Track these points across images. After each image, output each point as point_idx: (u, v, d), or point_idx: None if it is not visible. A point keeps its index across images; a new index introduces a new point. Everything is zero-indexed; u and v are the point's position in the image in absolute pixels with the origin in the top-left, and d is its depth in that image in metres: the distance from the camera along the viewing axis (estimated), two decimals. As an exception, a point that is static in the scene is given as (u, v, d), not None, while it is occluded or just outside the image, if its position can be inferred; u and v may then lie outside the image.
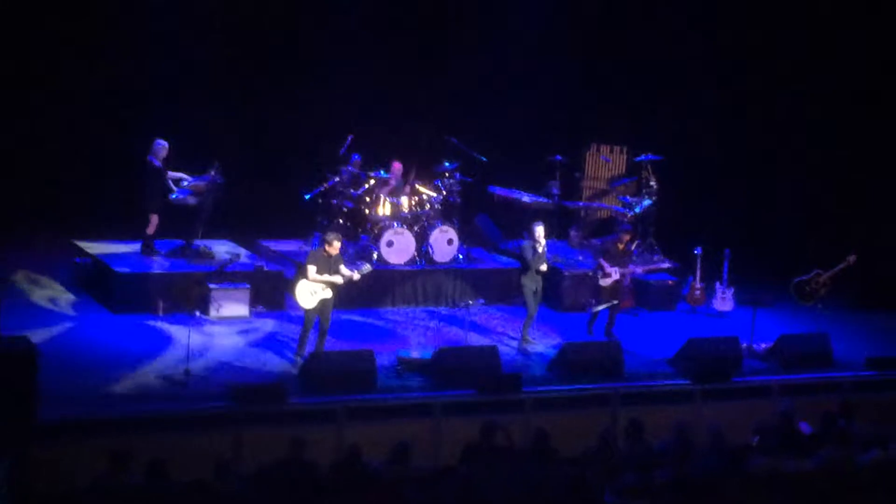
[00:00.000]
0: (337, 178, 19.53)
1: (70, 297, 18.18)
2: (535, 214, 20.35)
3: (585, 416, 15.19)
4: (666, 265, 18.84)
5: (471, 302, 17.34)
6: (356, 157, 19.89)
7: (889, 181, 22.24)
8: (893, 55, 22.20)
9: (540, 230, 17.26)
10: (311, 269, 15.72)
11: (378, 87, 22.28)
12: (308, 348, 15.88)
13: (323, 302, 15.78)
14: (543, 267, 17.29)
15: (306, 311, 15.82)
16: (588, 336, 17.81)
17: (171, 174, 18.36)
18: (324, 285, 15.71)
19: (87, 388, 14.31)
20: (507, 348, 17.07)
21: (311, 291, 15.72)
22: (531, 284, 17.27)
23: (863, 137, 22.37)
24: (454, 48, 23.14)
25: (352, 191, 19.61)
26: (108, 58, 20.91)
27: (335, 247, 15.81)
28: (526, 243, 17.43)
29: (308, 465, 11.97)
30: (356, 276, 16.00)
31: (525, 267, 17.35)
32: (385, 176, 19.83)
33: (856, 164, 22.45)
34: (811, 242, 21.36)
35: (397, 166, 20.19)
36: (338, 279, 15.79)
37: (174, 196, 18.35)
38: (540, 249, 17.22)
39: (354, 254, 19.01)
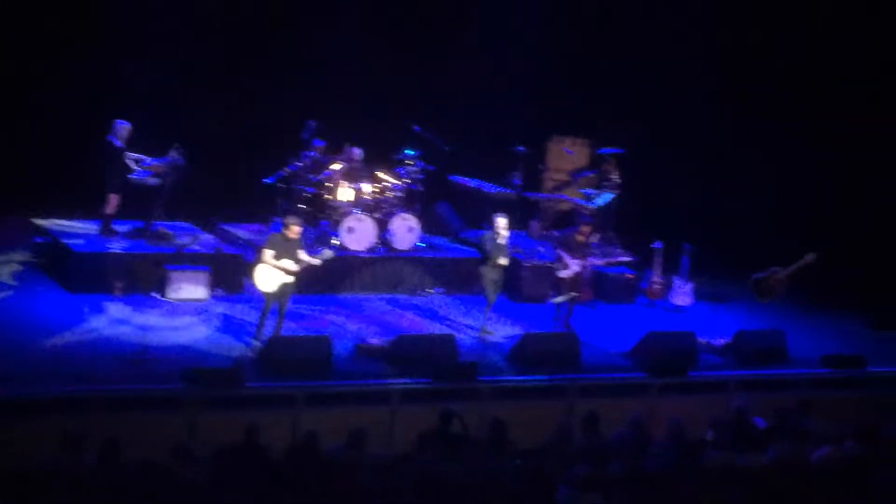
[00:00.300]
0: (299, 164, 19.47)
1: (26, 273, 18.03)
2: (497, 205, 20.36)
3: (542, 407, 15.22)
4: (626, 258, 18.88)
5: (430, 290, 17.34)
6: (318, 143, 19.81)
7: (851, 180, 22.37)
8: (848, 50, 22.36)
9: (502, 221, 17.26)
10: (268, 253, 15.61)
11: (343, 74, 22.17)
12: (266, 332, 15.80)
13: (282, 286, 15.69)
14: (503, 261, 17.28)
15: (266, 294, 15.74)
16: (549, 327, 17.81)
17: (131, 154, 18.24)
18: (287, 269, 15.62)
19: (40, 367, 14.20)
20: (465, 337, 17.07)
21: (270, 275, 15.63)
22: (491, 274, 17.26)
23: (827, 136, 22.47)
24: (420, 37, 23.06)
25: (312, 176, 19.55)
26: (71, 37, 20.71)
27: (294, 231, 15.69)
28: (487, 234, 17.44)
29: (263, 449, 11.93)
30: (316, 261, 15.92)
31: (485, 257, 17.35)
32: (345, 162, 19.78)
33: (819, 162, 22.54)
34: (772, 239, 21.43)
35: (357, 152, 20.13)
36: (292, 265, 15.62)
37: (134, 176, 18.24)
38: (501, 241, 17.21)
39: (315, 240, 18.94)
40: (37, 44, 20.57)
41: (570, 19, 23.53)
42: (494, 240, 17.22)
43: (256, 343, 15.74)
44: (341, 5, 22.37)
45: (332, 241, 16.11)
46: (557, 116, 23.26)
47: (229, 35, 21.63)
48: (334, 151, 19.99)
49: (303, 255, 15.75)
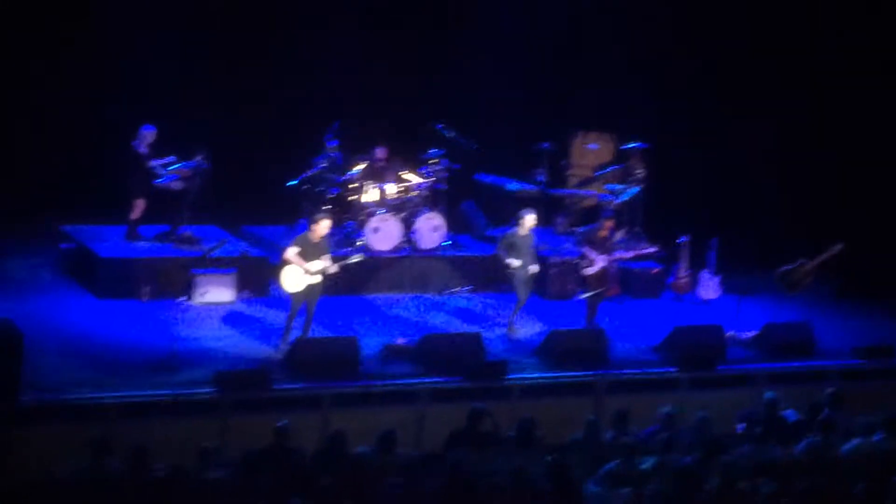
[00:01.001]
0: (324, 164, 19.47)
1: (55, 281, 18.11)
2: (522, 202, 20.34)
3: (571, 404, 15.23)
4: (651, 249, 18.73)
5: (457, 289, 17.30)
6: (332, 143, 19.72)
7: (875, 172, 22.25)
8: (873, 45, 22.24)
9: (531, 218, 17.18)
10: (291, 250, 15.56)
11: (365, 74, 22.16)
12: (294, 334, 15.81)
13: (310, 287, 15.65)
14: (516, 263, 17.08)
15: (293, 296, 15.73)
16: (578, 323, 17.76)
17: (157, 161, 18.30)
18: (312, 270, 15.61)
19: (71, 373, 14.25)
20: (492, 336, 17.03)
21: (297, 276, 15.63)
22: (521, 272, 17.19)
23: (851, 130, 22.37)
24: (442, 36, 23.02)
25: (337, 177, 19.55)
26: (93, 43, 20.76)
27: (322, 227, 15.64)
28: (510, 231, 17.40)
29: (293, 451, 11.95)
30: (333, 268, 15.71)
31: (510, 255, 17.23)
32: (369, 162, 19.80)
33: (843, 155, 22.44)
34: (798, 231, 21.34)
35: (382, 152, 20.13)
36: (317, 266, 15.57)
37: (160, 181, 18.31)
38: (522, 241, 17.12)
39: (341, 240, 18.96)
40: (59, 49, 20.63)
41: (590, 13, 23.44)
42: (512, 239, 17.15)
43: (283, 345, 15.75)
44: (364, 6, 22.36)
45: (358, 243, 16.05)
46: (581, 112, 23.20)
47: (251, 36, 21.64)
48: (358, 152, 19.98)
49: (327, 259, 15.66)
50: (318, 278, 15.67)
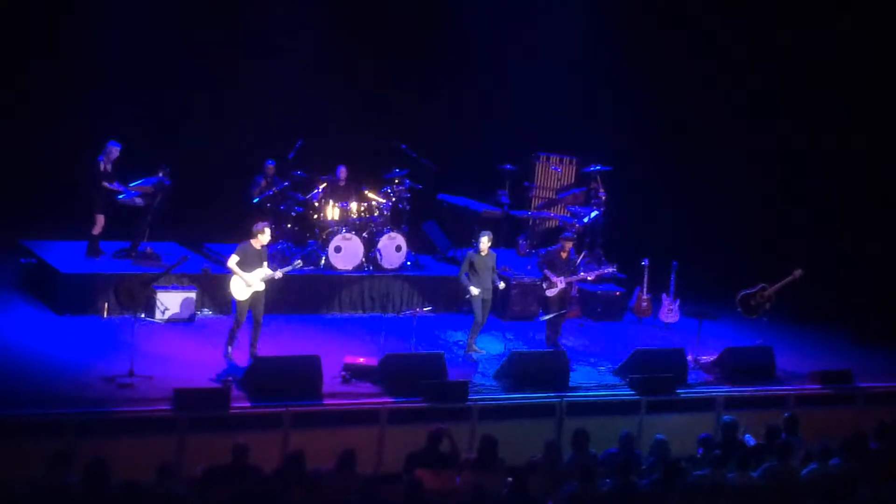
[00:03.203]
0: (286, 183, 19.48)
1: (13, 296, 17.99)
2: (484, 223, 20.42)
3: (531, 426, 15.24)
4: (611, 269, 18.76)
5: (418, 309, 17.31)
6: (270, 163, 19.69)
7: (834, 197, 22.45)
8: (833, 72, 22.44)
9: (486, 239, 17.24)
10: (233, 258, 15.77)
11: (328, 93, 22.16)
12: (238, 342, 16.00)
13: (253, 295, 15.84)
14: (475, 290, 17.18)
15: (239, 302, 15.86)
16: (538, 345, 17.81)
17: (110, 185, 18.21)
18: (255, 278, 15.72)
19: (28, 389, 14.12)
20: (453, 356, 17.03)
21: (244, 284, 15.75)
22: (479, 293, 17.22)
23: (807, 155, 22.57)
24: (405, 56, 23.08)
25: (300, 195, 19.57)
26: (57, 58, 20.68)
27: (264, 237, 15.82)
28: (469, 252, 17.44)
29: (252, 469, 11.89)
30: (278, 274, 16.00)
31: (471, 275, 17.28)
32: (331, 180, 19.82)
33: (801, 180, 22.63)
34: (757, 256, 21.48)
35: (344, 171, 20.15)
36: (256, 277, 15.73)
37: (122, 197, 18.24)
38: (482, 261, 17.18)
39: (301, 258, 18.93)
40: (23, 64, 20.53)
41: (553, 36, 23.56)
42: (472, 259, 17.21)
43: (230, 349, 15.95)
44: (327, 25, 22.35)
45: (296, 264, 16.21)
46: (544, 134, 23.28)
47: (215, 53, 21.60)
48: (321, 171, 19.98)
49: (265, 268, 15.85)
50: (261, 286, 15.81)
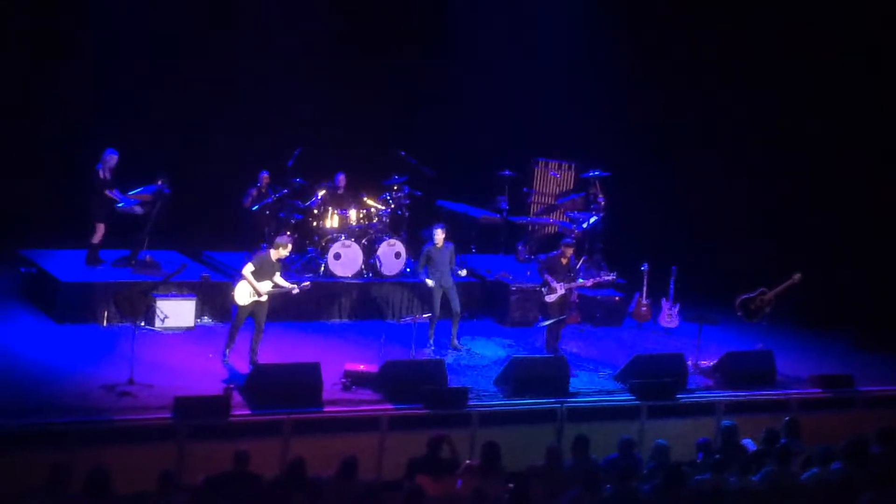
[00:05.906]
0: (285, 190, 19.49)
1: (13, 305, 17.99)
2: (484, 229, 20.43)
3: (531, 432, 15.23)
4: (611, 276, 18.80)
5: (417, 315, 17.33)
6: (264, 173, 19.72)
7: (832, 201, 22.44)
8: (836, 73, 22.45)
9: (439, 232, 17.62)
10: (248, 267, 15.84)
11: (327, 101, 22.18)
12: (236, 345, 16.07)
13: (254, 304, 15.92)
14: (429, 282, 17.52)
15: (239, 308, 15.92)
16: (538, 351, 17.82)
17: (118, 193, 18.22)
18: (266, 288, 15.81)
19: (28, 398, 14.11)
20: (453, 362, 17.03)
21: (252, 292, 15.80)
22: (434, 284, 17.60)
23: (808, 158, 22.56)
24: (403, 63, 23.11)
25: (299, 202, 19.59)
26: (56, 69, 20.70)
27: (283, 251, 15.96)
28: (427, 247, 17.64)
29: (253, 477, 11.89)
30: (291, 287, 16.10)
31: (430, 269, 17.60)
32: (330, 188, 19.82)
33: (801, 185, 22.63)
34: (757, 260, 21.47)
35: (343, 178, 20.16)
36: (265, 287, 15.83)
37: (121, 205, 18.24)
38: (438, 255, 17.54)
39: (301, 266, 18.97)
40: (23, 74, 20.55)
41: (551, 42, 23.59)
42: (429, 253, 17.56)
43: (227, 354, 16.04)
44: (326, 33, 22.38)
45: (304, 285, 16.25)
46: (543, 140, 23.29)
47: (214, 62, 21.62)
48: (320, 178, 19.99)
49: (279, 279, 15.97)
50: (263, 298, 15.91)
